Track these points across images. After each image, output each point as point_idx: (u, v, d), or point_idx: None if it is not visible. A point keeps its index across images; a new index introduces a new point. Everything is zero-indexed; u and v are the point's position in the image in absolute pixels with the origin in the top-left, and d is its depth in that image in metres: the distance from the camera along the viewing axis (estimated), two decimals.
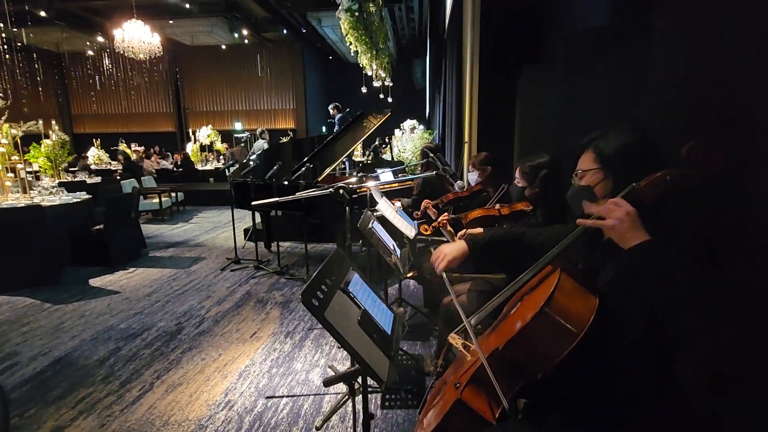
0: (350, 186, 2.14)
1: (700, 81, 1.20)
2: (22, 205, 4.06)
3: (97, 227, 4.47)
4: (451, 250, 1.48)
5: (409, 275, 3.47)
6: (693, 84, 1.23)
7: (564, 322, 0.98)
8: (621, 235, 0.97)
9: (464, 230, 2.16)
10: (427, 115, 13.37)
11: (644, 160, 1.05)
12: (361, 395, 1.42)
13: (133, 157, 10.53)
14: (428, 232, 2.27)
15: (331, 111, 8.19)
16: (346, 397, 2.06)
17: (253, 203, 2.52)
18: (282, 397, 2.23)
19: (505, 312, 1.25)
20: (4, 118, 4.50)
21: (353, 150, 4.75)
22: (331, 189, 2.15)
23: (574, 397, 1.08)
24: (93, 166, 9.92)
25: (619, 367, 1.05)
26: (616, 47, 1.75)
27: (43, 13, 9.58)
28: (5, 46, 10.10)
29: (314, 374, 2.43)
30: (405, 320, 3.11)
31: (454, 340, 1.28)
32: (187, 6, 9.65)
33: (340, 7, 6.75)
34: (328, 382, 1.42)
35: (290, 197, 2.23)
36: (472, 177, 2.57)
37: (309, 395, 2.23)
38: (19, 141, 4.62)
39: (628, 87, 1.64)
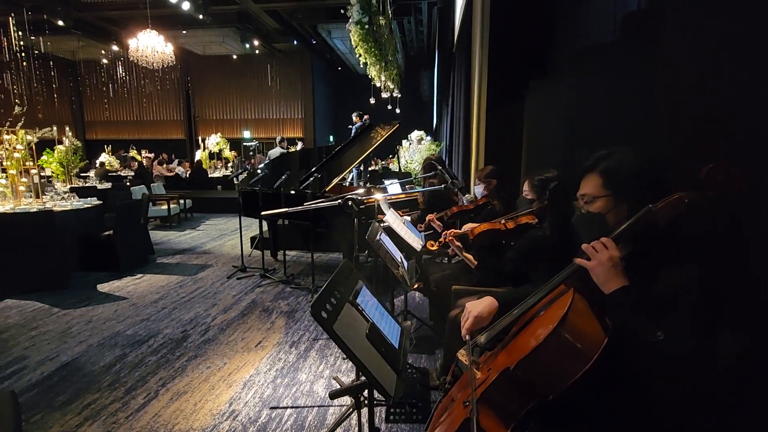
0: (359, 197, 2.15)
1: (710, 97, 1.20)
2: (35, 210, 4.13)
3: (107, 233, 4.52)
4: (480, 307, 1.33)
5: (414, 287, 3.46)
6: (703, 100, 1.23)
7: (578, 343, 0.97)
8: (600, 279, 1.00)
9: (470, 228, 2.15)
10: (434, 126, 13.44)
11: (657, 181, 1.05)
12: (366, 408, 1.41)
13: (145, 162, 10.69)
14: (435, 248, 2.27)
15: (354, 118, 8.36)
16: (351, 410, 2.05)
17: (263, 213, 2.54)
18: (286, 408, 2.22)
19: (516, 330, 1.24)
20: (20, 124, 4.59)
21: (362, 160, 4.78)
22: (340, 200, 2.16)
23: (584, 419, 1.07)
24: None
25: (632, 389, 1.03)
26: (624, 62, 1.76)
27: (60, 23, 9.83)
28: (23, 54, 10.36)
29: (319, 385, 2.42)
30: (411, 333, 3.09)
31: (463, 356, 1.27)
32: (201, 17, 9.86)
33: (350, 20, 6.85)
34: (334, 395, 1.42)
35: (299, 208, 2.25)
36: (477, 190, 2.58)
37: (313, 407, 2.22)
38: (33, 147, 4.70)
39: (635, 102, 1.65)
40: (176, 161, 11.37)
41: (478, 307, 1.35)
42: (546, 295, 1.15)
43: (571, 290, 1.06)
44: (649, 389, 1.01)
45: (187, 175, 10.29)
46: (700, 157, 1.06)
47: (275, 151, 8.86)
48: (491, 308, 1.34)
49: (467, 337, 1.30)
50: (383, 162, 11.93)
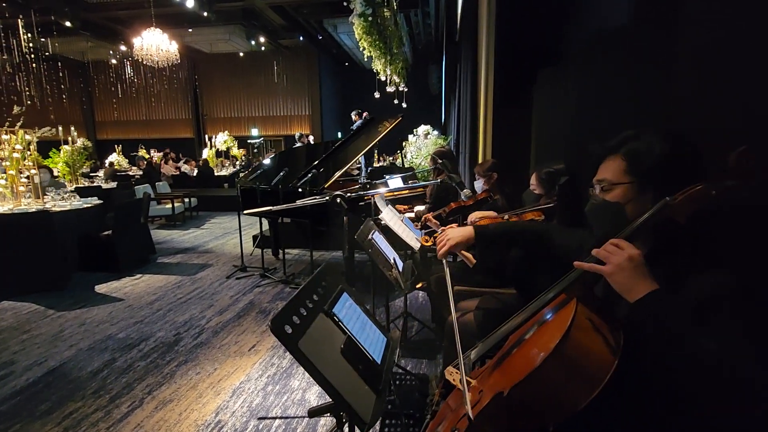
0: (348, 194, 2.00)
1: (731, 84, 1.02)
2: (33, 210, 4.08)
3: (106, 233, 4.46)
4: (456, 234, 1.35)
5: (418, 286, 3.30)
6: (723, 87, 1.06)
7: (582, 365, 0.81)
8: (623, 285, 0.81)
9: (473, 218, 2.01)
10: (442, 120, 13.20)
11: (691, 171, 0.86)
12: (348, 426, 1.27)
13: (155, 159, 10.73)
14: (429, 243, 2.11)
15: (353, 117, 8.16)
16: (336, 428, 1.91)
17: (245, 212, 2.41)
18: (275, 418, 2.09)
19: (512, 343, 1.08)
20: (19, 123, 4.55)
21: (363, 154, 4.64)
22: (327, 197, 2.02)
23: None
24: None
25: (647, 412, 0.87)
26: (638, 48, 1.57)
27: (68, 24, 9.86)
28: (33, 56, 10.43)
29: (311, 393, 2.29)
30: (410, 336, 2.94)
31: (451, 375, 1.11)
32: (206, 14, 9.79)
33: (353, 12, 6.69)
34: (312, 413, 1.27)
35: (283, 206, 2.11)
36: (478, 185, 2.42)
37: (303, 418, 2.09)
38: (33, 147, 4.65)
39: (650, 90, 1.47)
40: (182, 160, 11.39)
41: (456, 236, 1.35)
42: (545, 306, 0.98)
43: (574, 300, 0.89)
44: (679, 412, 0.84)
45: (194, 174, 10.27)
46: (724, 147, 0.88)
47: (296, 147, 8.75)
48: (468, 237, 1.34)
49: (444, 262, 1.34)
50: (390, 158, 11.75)
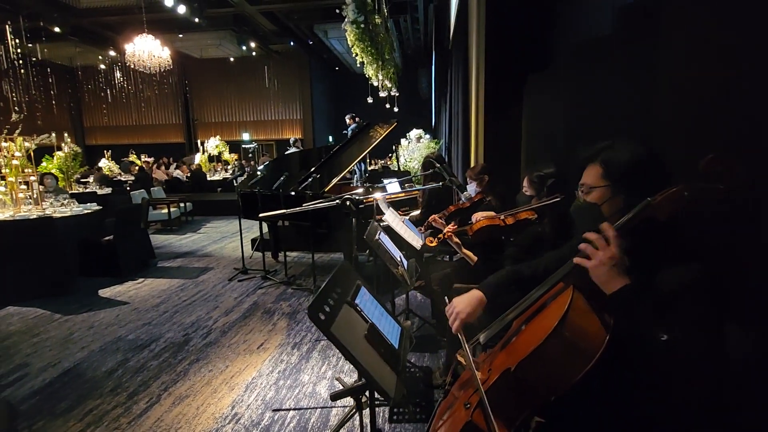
0: (356, 197, 2.14)
1: (710, 90, 1.18)
2: (34, 216, 4.12)
3: (107, 238, 4.52)
4: (464, 305, 1.31)
5: (416, 285, 3.45)
6: (703, 93, 1.21)
7: (579, 342, 0.95)
8: (601, 279, 0.97)
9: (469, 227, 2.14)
10: (433, 124, 13.41)
11: (656, 177, 1.02)
12: (368, 409, 1.40)
13: (145, 167, 10.70)
14: (434, 244, 2.26)
15: (347, 120, 8.29)
16: (353, 411, 2.04)
17: (261, 215, 2.53)
18: (289, 410, 2.21)
19: (516, 328, 1.22)
20: (17, 131, 4.59)
21: (360, 159, 4.77)
22: (338, 200, 2.15)
23: (589, 416, 1.05)
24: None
25: (636, 389, 1.02)
26: (623, 56, 1.74)
27: (57, 29, 9.83)
28: (20, 61, 10.35)
29: (321, 386, 2.42)
30: (412, 332, 3.08)
31: (462, 358, 1.25)
32: (197, 20, 9.84)
33: (346, 19, 6.84)
34: (335, 396, 1.41)
35: (297, 209, 2.24)
36: (471, 188, 2.57)
37: (316, 408, 2.21)
38: (32, 154, 4.69)
39: (635, 96, 1.63)
40: (173, 165, 11.39)
41: (466, 307, 1.30)
42: (545, 293, 1.13)
43: (571, 287, 1.04)
44: (653, 389, 0.99)
45: (186, 178, 10.28)
46: (702, 151, 1.03)
47: (290, 152, 8.86)
48: (480, 301, 1.32)
49: (459, 336, 1.27)
50: (382, 161, 11.91)
